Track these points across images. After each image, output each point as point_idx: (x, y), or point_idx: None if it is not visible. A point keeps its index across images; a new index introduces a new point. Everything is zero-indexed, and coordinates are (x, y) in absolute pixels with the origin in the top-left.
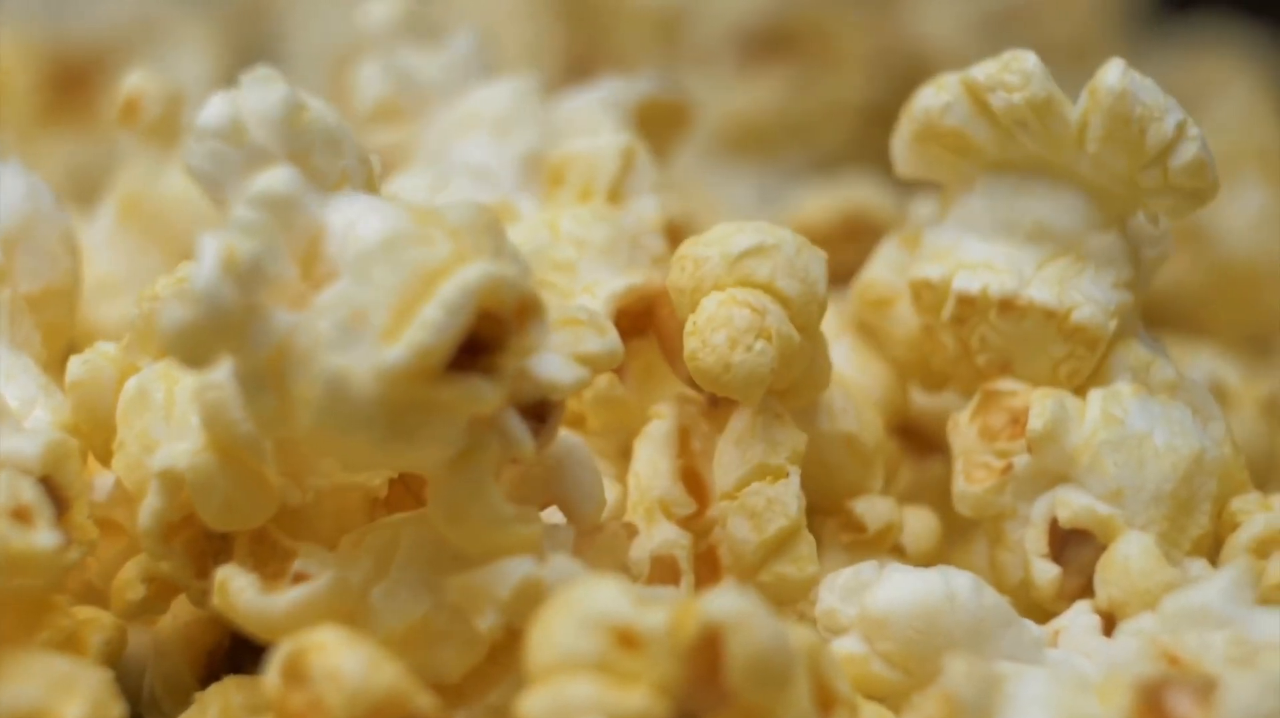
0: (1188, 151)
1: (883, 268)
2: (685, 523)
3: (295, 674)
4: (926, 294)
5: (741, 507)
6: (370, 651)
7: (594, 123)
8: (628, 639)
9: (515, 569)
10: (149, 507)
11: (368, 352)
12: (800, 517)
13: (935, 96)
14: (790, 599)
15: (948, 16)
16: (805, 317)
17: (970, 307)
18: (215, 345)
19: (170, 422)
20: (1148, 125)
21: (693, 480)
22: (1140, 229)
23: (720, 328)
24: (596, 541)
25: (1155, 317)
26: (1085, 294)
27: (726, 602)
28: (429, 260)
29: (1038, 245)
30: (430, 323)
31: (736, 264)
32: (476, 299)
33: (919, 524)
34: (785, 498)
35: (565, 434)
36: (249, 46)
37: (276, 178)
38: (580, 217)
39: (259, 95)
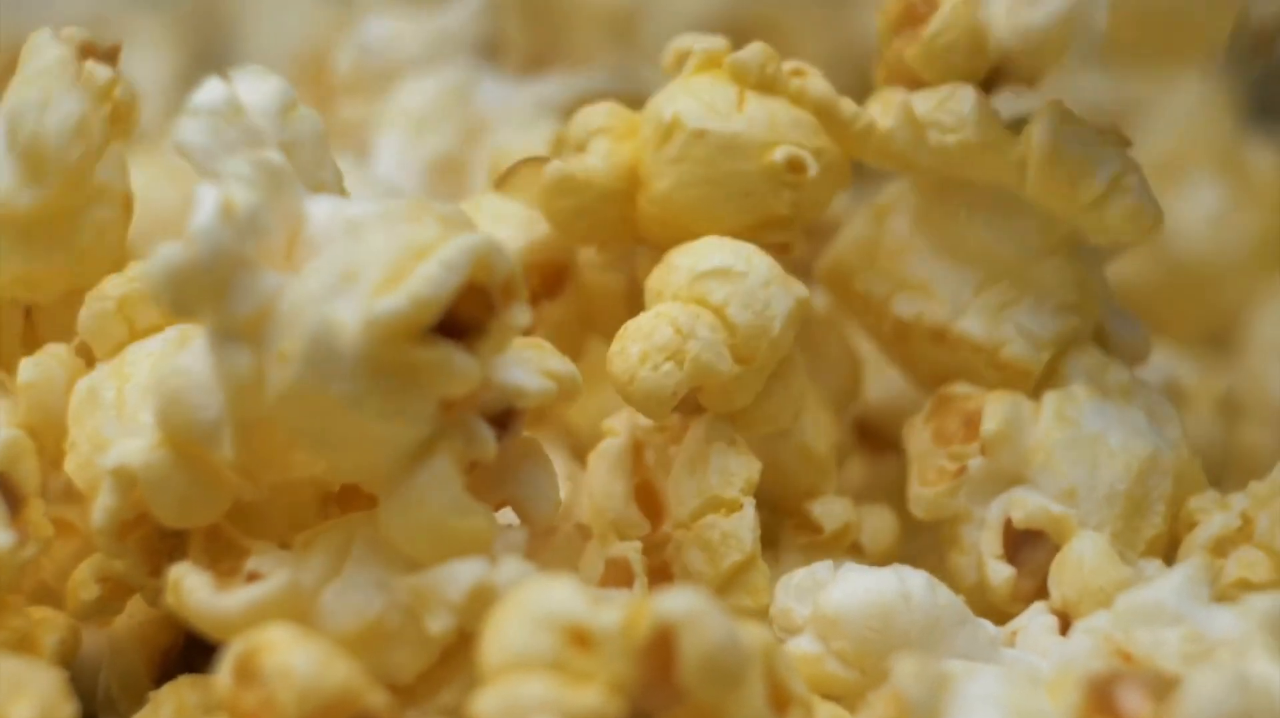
0: (1122, 203)
1: (851, 251)
2: (640, 541)
3: (247, 673)
4: (868, 309)
5: (696, 539)
6: (322, 648)
7: (526, 118)
8: (581, 638)
9: (467, 572)
10: (102, 505)
11: (359, 303)
12: (755, 548)
13: (880, 115)
14: None
15: None
16: (750, 349)
17: (906, 329)
18: (205, 292)
19: (121, 420)
20: (1079, 179)
21: (647, 497)
22: None
23: (638, 340)
24: (550, 543)
25: None
26: (1019, 326)
27: (679, 601)
28: (421, 236)
29: (981, 267)
30: (428, 277)
31: (697, 281)
32: (474, 261)
33: (877, 522)
34: (740, 532)
35: (523, 434)
36: (205, 46)
37: (272, 153)
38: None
39: (255, 84)
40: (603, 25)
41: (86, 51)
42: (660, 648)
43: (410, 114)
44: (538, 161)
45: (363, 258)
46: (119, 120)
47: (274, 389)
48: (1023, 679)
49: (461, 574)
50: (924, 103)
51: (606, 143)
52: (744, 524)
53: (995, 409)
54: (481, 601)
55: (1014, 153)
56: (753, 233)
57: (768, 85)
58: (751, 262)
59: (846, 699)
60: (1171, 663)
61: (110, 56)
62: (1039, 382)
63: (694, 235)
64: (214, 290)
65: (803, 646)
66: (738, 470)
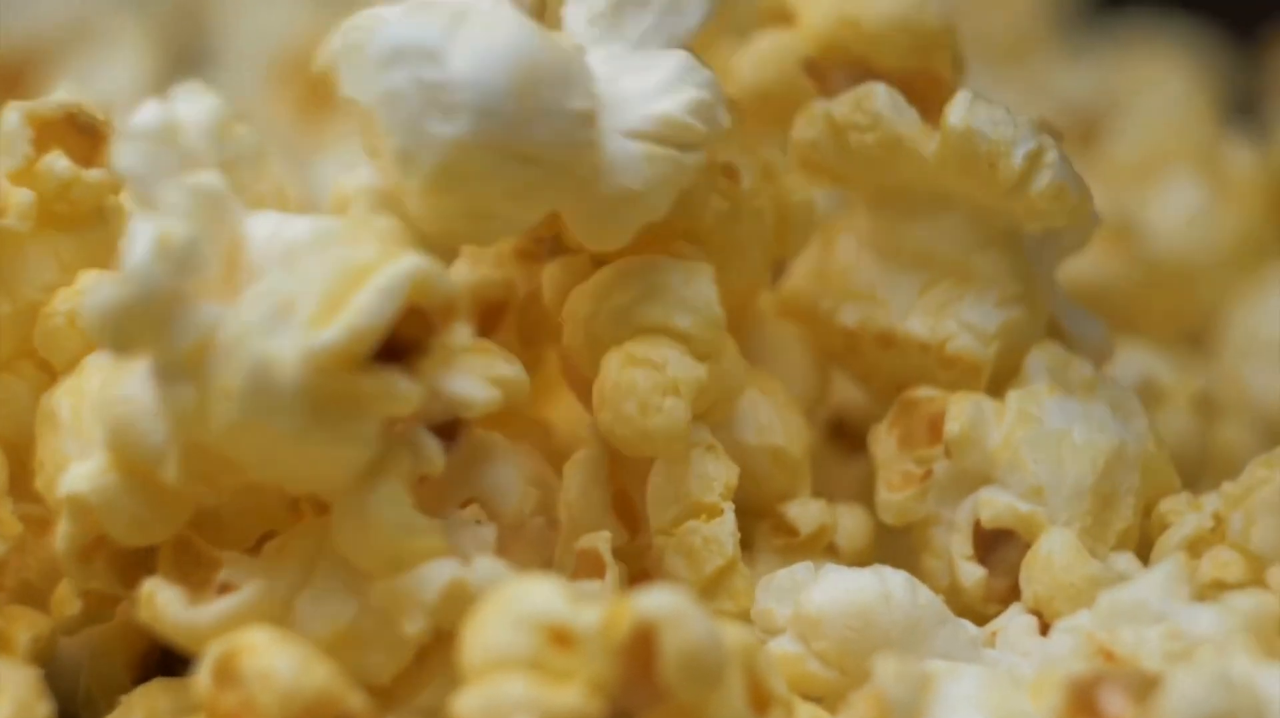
0: (1044, 179)
1: (804, 278)
2: (619, 551)
3: (227, 675)
4: (820, 327)
5: (678, 545)
6: (302, 651)
7: None
8: (561, 637)
9: (441, 572)
10: (62, 532)
11: (296, 337)
12: (736, 553)
13: (804, 130)
14: None
15: None
16: (706, 344)
17: (855, 338)
18: (143, 329)
19: (79, 439)
20: (997, 160)
21: (624, 504)
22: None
23: (627, 396)
24: (520, 537)
25: None
26: (963, 322)
27: (659, 599)
28: (358, 258)
29: (921, 269)
30: (363, 307)
31: (625, 316)
32: (410, 287)
33: (852, 522)
34: (721, 537)
35: (484, 432)
36: (183, 47)
37: (209, 176)
38: None
39: (192, 104)
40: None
41: (70, 122)
42: (640, 647)
43: None
44: None
45: (299, 287)
46: (65, 215)
47: (217, 423)
48: (1004, 680)
49: (435, 575)
50: (840, 106)
51: None
52: (724, 529)
53: (958, 411)
54: (456, 600)
55: (932, 144)
56: (666, 242)
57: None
58: (658, 266)
59: (828, 700)
60: (1154, 662)
61: (94, 132)
62: (1001, 380)
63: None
64: (151, 328)
65: (784, 646)
66: (717, 475)
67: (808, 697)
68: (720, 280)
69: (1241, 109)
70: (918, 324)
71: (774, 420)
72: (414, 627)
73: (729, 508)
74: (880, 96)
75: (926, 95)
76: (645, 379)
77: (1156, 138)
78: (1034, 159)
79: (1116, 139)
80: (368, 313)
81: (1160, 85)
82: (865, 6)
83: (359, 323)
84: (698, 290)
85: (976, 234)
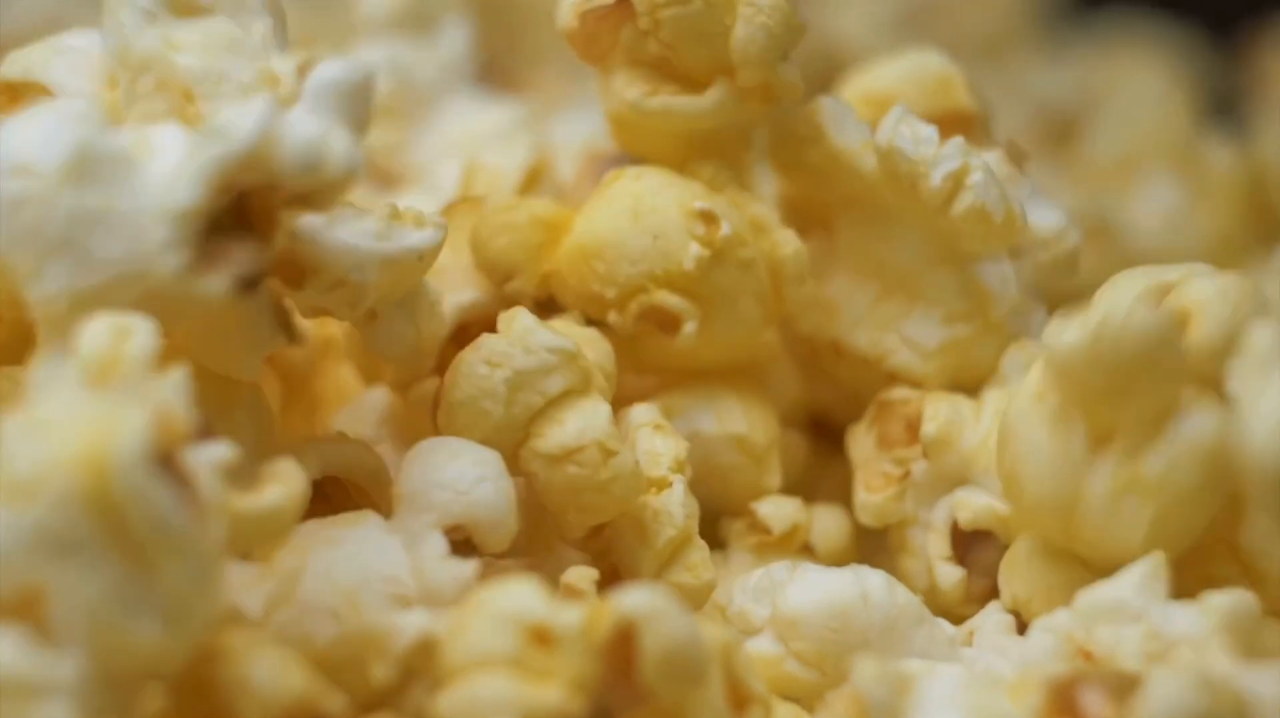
0: (965, 201)
1: None
2: (582, 544)
3: (203, 683)
4: (787, 330)
5: (631, 522)
6: (279, 656)
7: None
8: (542, 637)
9: (411, 624)
10: None
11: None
12: (689, 524)
13: (773, 136)
14: (691, 608)
15: (861, 13)
16: (585, 379)
17: (813, 346)
18: None
19: None
20: (917, 180)
21: None
22: (1031, 234)
23: (569, 501)
24: (494, 572)
25: None
26: (904, 337)
27: (640, 598)
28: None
29: (876, 281)
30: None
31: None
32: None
33: (829, 523)
34: (670, 507)
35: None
36: None
37: None
38: None
39: None
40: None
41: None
42: (621, 646)
43: (475, 139)
44: (474, 201)
45: None
46: None
47: None
48: (983, 680)
49: (406, 626)
50: (794, 117)
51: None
52: (674, 500)
53: (934, 411)
54: (425, 653)
55: (871, 160)
56: (641, 287)
57: (717, 188)
58: (569, 362)
59: (806, 700)
60: (1132, 662)
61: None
62: (981, 382)
63: (598, 276)
64: None
65: (761, 646)
66: (664, 450)
67: (786, 697)
68: (709, 330)
69: (1220, 108)
70: (863, 337)
71: (736, 410)
72: (382, 673)
73: (679, 480)
74: (826, 110)
75: (957, 130)
76: (580, 477)
77: (1134, 137)
78: (956, 180)
79: (1095, 138)
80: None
81: (1138, 84)
82: (876, 79)
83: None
84: (602, 357)
85: (929, 251)
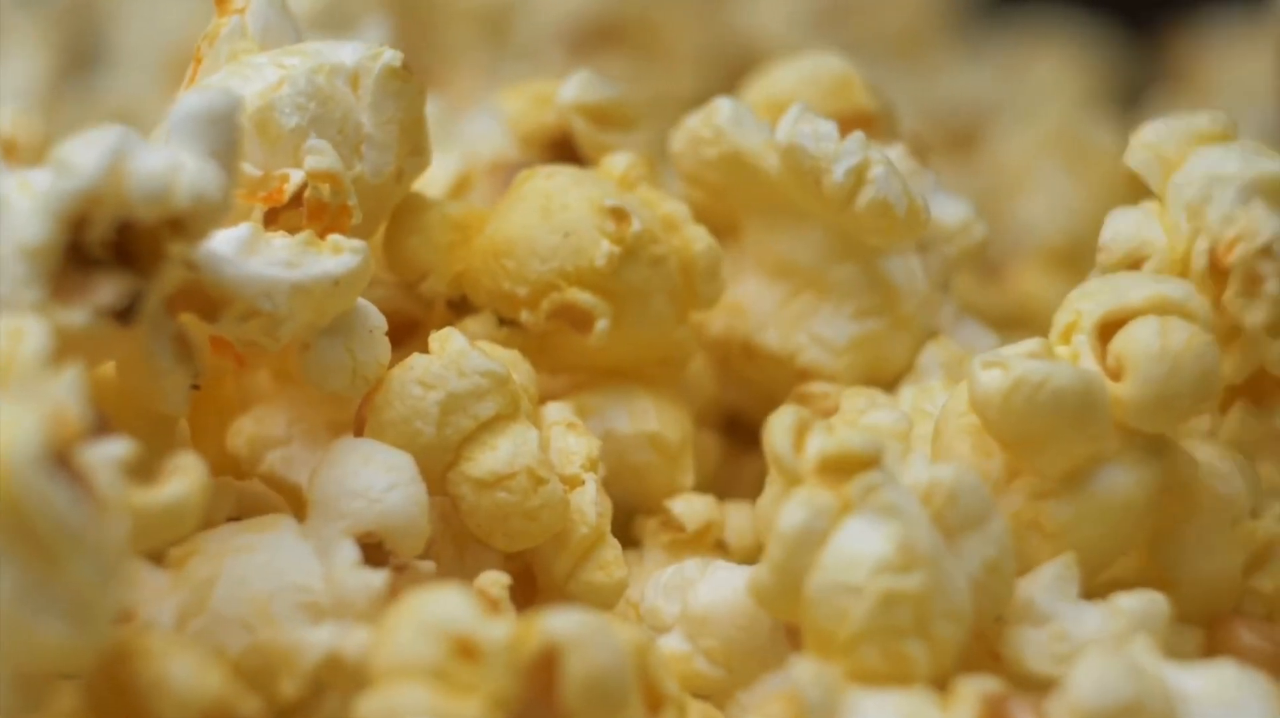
0: (866, 195)
1: None
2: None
3: (122, 682)
4: (701, 331)
5: None
6: (197, 657)
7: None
8: (467, 650)
9: (320, 639)
10: None
11: None
12: (601, 523)
13: (675, 143)
14: (604, 606)
15: (779, 10)
16: (512, 405)
17: (724, 348)
18: None
19: None
20: (820, 176)
21: None
22: (936, 227)
23: (496, 527)
24: (410, 578)
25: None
26: (814, 335)
27: (569, 621)
28: None
29: (784, 281)
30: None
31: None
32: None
33: (743, 520)
34: (584, 506)
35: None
36: (79, 44)
37: None
38: None
39: None
40: (475, 25)
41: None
42: (545, 667)
43: None
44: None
45: None
46: None
47: None
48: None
49: (314, 642)
50: (694, 120)
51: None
52: (587, 498)
53: (851, 406)
54: (333, 669)
55: (773, 158)
56: (553, 285)
57: (628, 186)
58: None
59: (716, 698)
60: (1040, 664)
61: None
62: (895, 378)
63: (510, 274)
64: None
65: (671, 644)
66: (577, 449)
67: (696, 695)
68: (621, 327)
69: (1136, 101)
70: (772, 337)
71: (650, 408)
72: (291, 688)
73: (591, 478)
74: (724, 111)
75: (863, 130)
76: (509, 503)
77: (1041, 132)
78: (858, 175)
79: (1003, 135)
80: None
81: (1054, 80)
82: (775, 81)
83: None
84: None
85: (834, 247)
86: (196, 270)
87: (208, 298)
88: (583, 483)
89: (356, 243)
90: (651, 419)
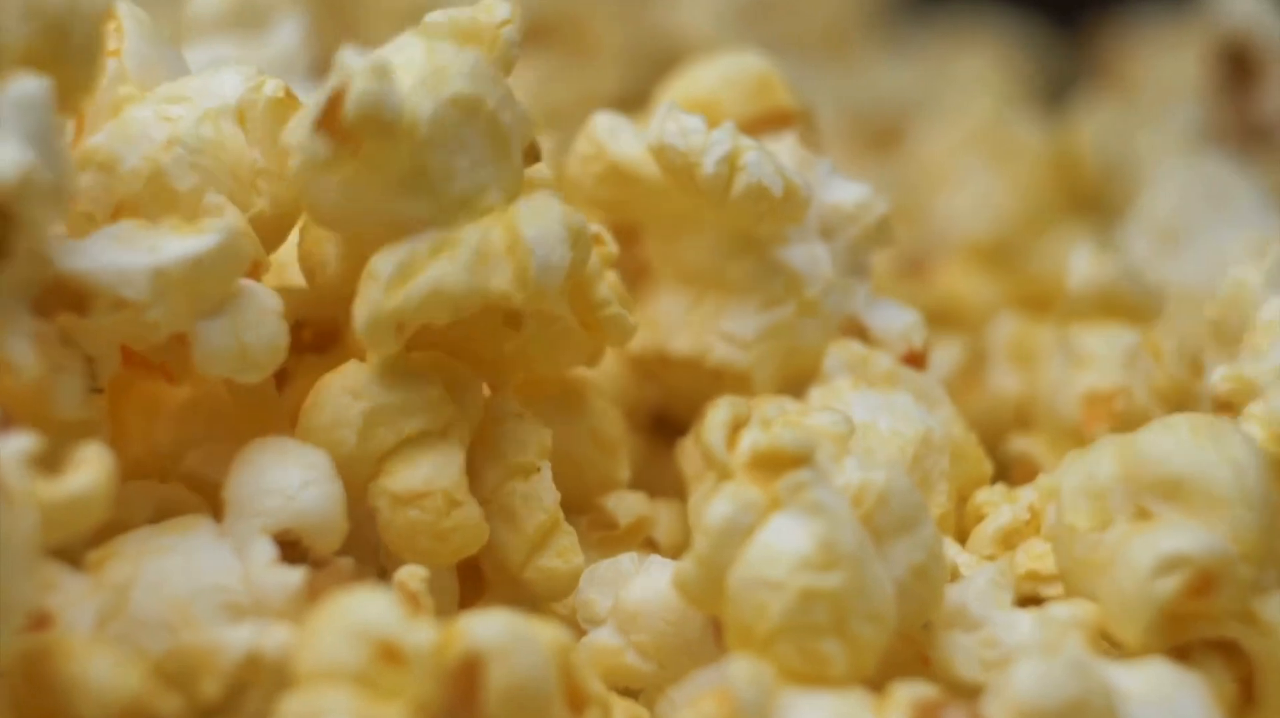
0: (742, 181)
1: None
2: None
3: (41, 680)
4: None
5: (500, 509)
6: (116, 656)
7: None
8: (390, 654)
9: (239, 639)
10: None
11: None
12: (557, 509)
13: (570, 167)
14: (560, 594)
15: (704, 7)
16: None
17: (642, 362)
18: None
19: None
20: (694, 171)
21: None
22: (837, 211)
23: (405, 543)
24: (331, 576)
25: None
26: (721, 333)
27: (492, 628)
28: None
29: (689, 287)
30: None
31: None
32: None
33: (672, 518)
34: (540, 492)
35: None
36: None
37: None
38: None
39: None
40: (396, 21)
41: None
42: (468, 675)
43: None
44: None
45: None
46: None
47: None
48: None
49: (234, 641)
50: (579, 139)
51: None
52: (542, 484)
53: (762, 413)
54: (253, 668)
55: (652, 166)
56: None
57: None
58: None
59: (647, 693)
60: (969, 669)
61: None
62: (810, 374)
63: None
64: None
65: (603, 637)
66: (530, 438)
67: (627, 690)
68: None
69: (1060, 96)
70: (683, 341)
71: (586, 404)
72: (212, 688)
73: (545, 465)
74: (600, 125)
75: (780, 129)
76: (421, 520)
77: (965, 129)
78: (730, 163)
79: (925, 137)
80: None
81: (978, 76)
82: (694, 81)
83: None
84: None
85: (729, 244)
86: (49, 264)
87: (75, 294)
88: (538, 470)
89: (220, 221)
90: (594, 413)
